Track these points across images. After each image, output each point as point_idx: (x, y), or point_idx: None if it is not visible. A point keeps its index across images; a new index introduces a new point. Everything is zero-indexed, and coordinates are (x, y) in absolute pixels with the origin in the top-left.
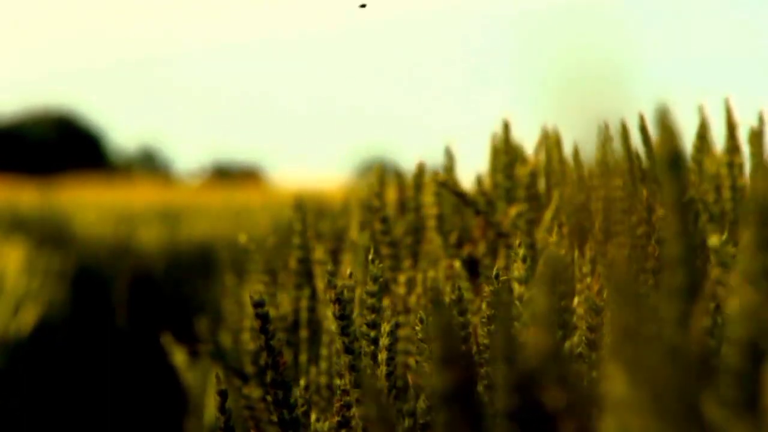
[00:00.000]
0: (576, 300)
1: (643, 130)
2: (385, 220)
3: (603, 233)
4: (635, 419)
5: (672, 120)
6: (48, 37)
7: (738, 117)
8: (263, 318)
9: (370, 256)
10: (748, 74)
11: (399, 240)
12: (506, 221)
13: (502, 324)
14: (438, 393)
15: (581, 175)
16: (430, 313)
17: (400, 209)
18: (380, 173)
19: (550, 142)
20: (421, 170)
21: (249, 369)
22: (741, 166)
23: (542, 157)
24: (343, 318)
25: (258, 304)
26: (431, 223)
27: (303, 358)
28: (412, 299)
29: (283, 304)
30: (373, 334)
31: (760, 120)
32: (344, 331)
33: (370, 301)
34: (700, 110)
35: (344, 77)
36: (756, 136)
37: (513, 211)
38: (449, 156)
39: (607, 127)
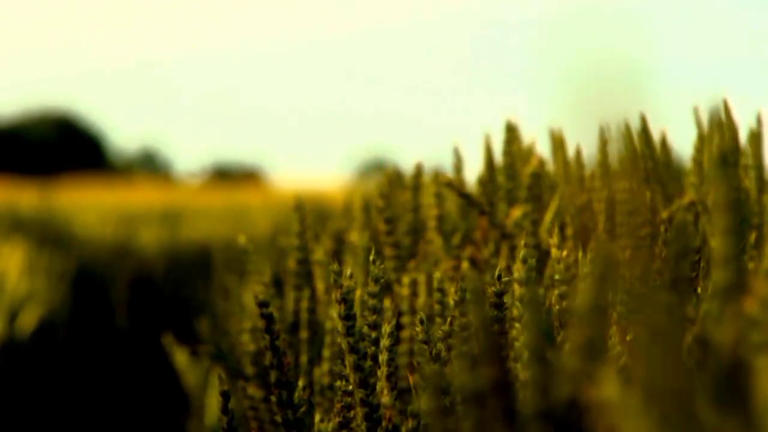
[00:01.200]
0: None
1: (645, 131)
2: (389, 221)
3: (606, 234)
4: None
5: (728, 119)
6: (49, 38)
7: (737, 118)
8: (268, 318)
9: (371, 257)
10: (747, 75)
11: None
12: (509, 222)
13: (534, 322)
14: (473, 390)
15: (584, 177)
16: (469, 308)
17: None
18: (384, 174)
19: (555, 143)
20: (419, 171)
21: (249, 370)
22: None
23: (545, 158)
24: (348, 318)
25: (262, 304)
26: (432, 223)
27: (303, 359)
28: (420, 300)
29: (284, 305)
30: (374, 335)
31: (759, 121)
32: (349, 331)
33: (371, 302)
34: (696, 112)
35: (345, 79)
36: (755, 138)
37: (515, 212)
38: (458, 156)
39: (608, 128)
